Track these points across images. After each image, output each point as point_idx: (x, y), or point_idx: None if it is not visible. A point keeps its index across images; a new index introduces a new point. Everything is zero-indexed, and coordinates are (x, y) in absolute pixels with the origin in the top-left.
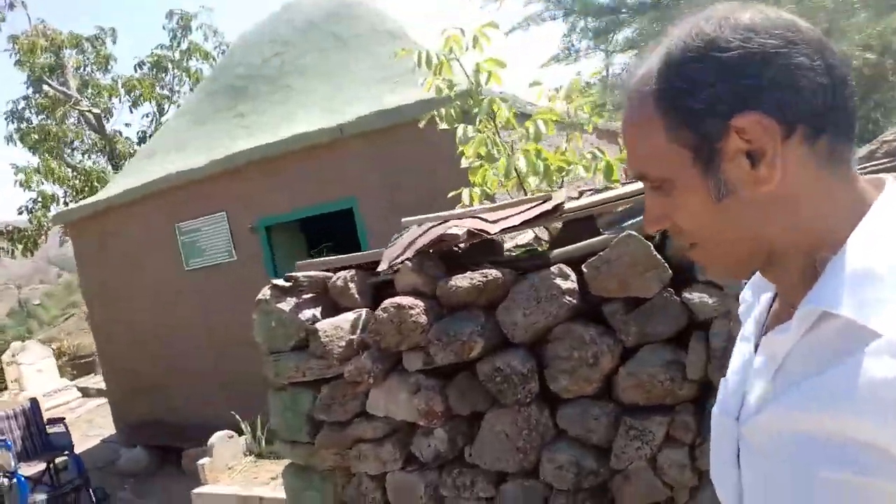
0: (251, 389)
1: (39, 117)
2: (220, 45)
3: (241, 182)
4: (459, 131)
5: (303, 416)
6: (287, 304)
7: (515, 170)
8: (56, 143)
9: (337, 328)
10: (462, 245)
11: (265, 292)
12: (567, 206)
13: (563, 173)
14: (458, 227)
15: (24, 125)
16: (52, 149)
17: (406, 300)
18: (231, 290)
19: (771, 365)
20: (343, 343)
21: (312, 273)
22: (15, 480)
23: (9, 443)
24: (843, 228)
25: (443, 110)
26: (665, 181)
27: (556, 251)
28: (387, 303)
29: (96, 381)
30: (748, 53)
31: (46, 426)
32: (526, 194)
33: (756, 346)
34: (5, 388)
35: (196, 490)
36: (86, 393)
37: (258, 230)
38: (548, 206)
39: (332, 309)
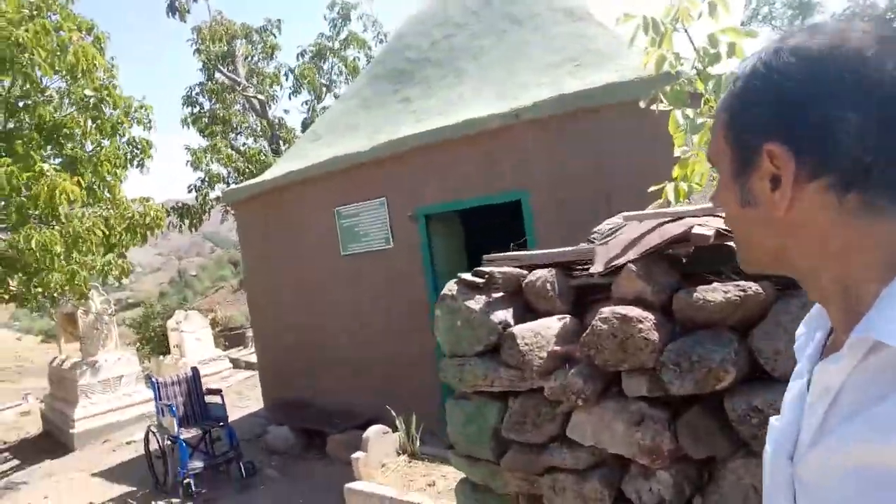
0: (400, 382)
1: (210, 102)
2: (379, 34)
3: (403, 168)
4: (678, 115)
5: (488, 431)
6: (476, 303)
7: None
8: (223, 127)
9: (537, 335)
10: (687, 251)
11: (451, 287)
12: None
13: None
14: (705, 227)
15: (197, 110)
16: (219, 132)
17: (633, 311)
18: (385, 278)
19: (825, 397)
20: (544, 353)
21: (506, 269)
22: (177, 444)
23: (174, 408)
24: (880, 274)
25: (668, 88)
26: (722, 181)
27: None
28: (607, 312)
29: (246, 353)
30: (800, 91)
31: (205, 395)
32: None
33: (808, 382)
34: (168, 353)
35: (350, 485)
36: (236, 364)
37: (417, 218)
38: None
39: (526, 311)
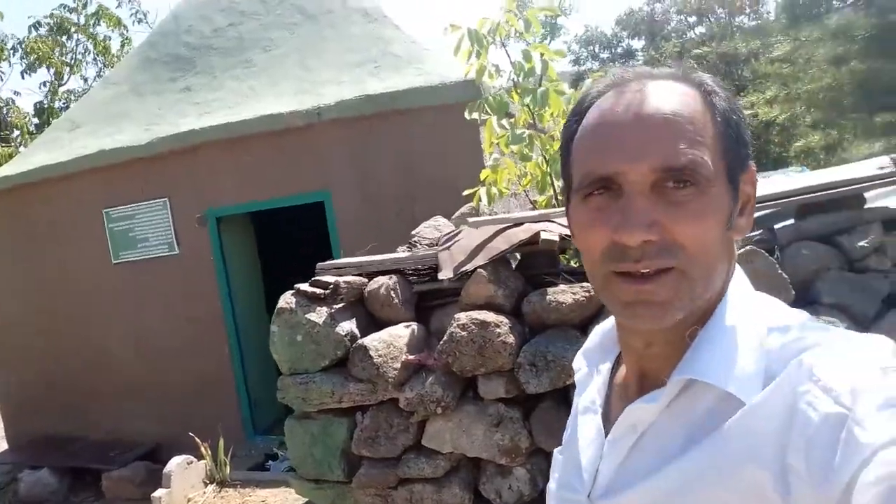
0: (194, 403)
1: None
2: (137, 12)
3: (190, 165)
4: (495, 123)
5: (336, 450)
6: (319, 316)
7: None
8: None
9: (389, 346)
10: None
11: (289, 300)
12: None
13: None
14: (549, 232)
15: None
16: None
17: (490, 316)
18: (171, 288)
19: (630, 435)
20: (398, 364)
21: (349, 278)
22: None
23: None
24: (714, 300)
25: (490, 98)
26: (707, 182)
27: None
28: (464, 318)
29: None
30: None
31: None
32: (556, 195)
33: (603, 417)
34: None
35: None
36: None
37: (207, 221)
38: None
39: (369, 321)
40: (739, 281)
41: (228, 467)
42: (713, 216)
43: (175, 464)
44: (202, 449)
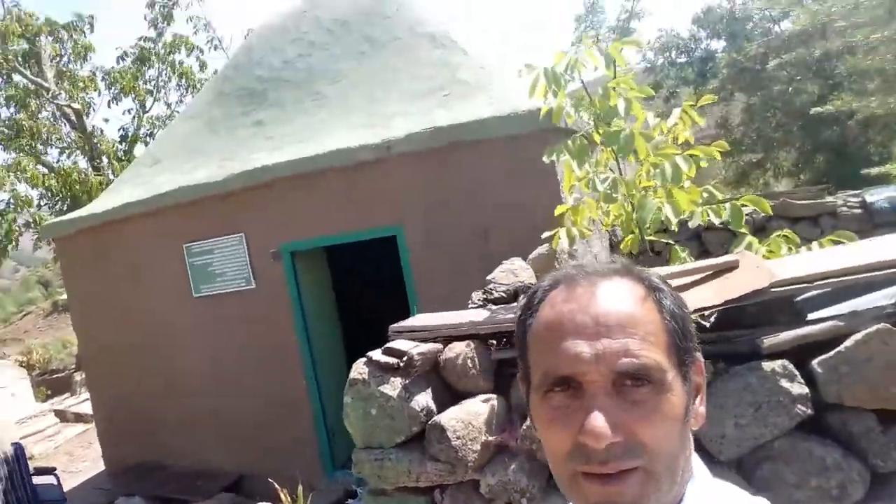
0: (271, 434)
1: (11, 110)
2: (213, 38)
3: (264, 201)
4: (574, 165)
5: None
6: (392, 388)
7: (632, 212)
8: (30, 139)
9: (468, 426)
10: None
11: (361, 370)
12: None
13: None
14: None
15: None
16: (24, 146)
17: None
18: (248, 321)
19: None
20: (477, 446)
21: (424, 347)
22: None
23: None
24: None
25: (570, 142)
26: (662, 383)
27: (770, 340)
28: None
29: (74, 402)
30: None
31: (33, 475)
32: (643, 240)
33: None
34: None
35: None
36: (63, 417)
37: (281, 256)
38: (755, 281)
39: (445, 391)
40: (700, 473)
41: None
42: (672, 411)
43: None
44: (282, 496)
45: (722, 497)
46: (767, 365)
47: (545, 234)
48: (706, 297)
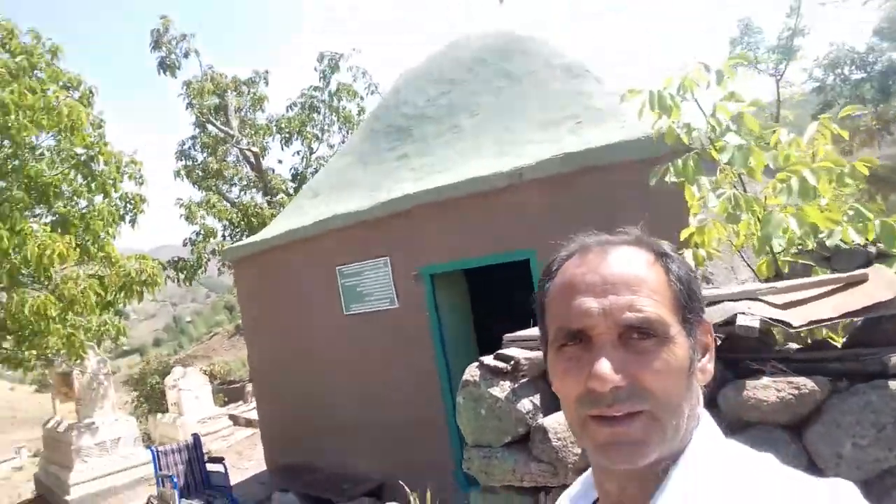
0: (409, 447)
1: (203, 155)
2: (370, 84)
3: (406, 226)
4: (693, 188)
5: None
6: (501, 390)
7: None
8: (216, 179)
9: (569, 429)
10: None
11: (473, 372)
12: None
13: (822, 234)
14: (750, 315)
15: (190, 163)
16: (212, 185)
17: None
18: (391, 338)
19: None
20: (578, 449)
21: (531, 354)
22: None
23: (174, 478)
24: (683, 439)
25: (679, 162)
26: (666, 336)
27: None
28: None
29: (246, 409)
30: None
31: (206, 463)
32: (776, 259)
33: None
34: (166, 410)
35: None
36: (236, 421)
37: (422, 278)
38: (877, 293)
39: (553, 397)
40: (707, 424)
41: None
42: (675, 362)
43: None
44: (411, 499)
45: (726, 448)
46: (893, 384)
47: None
48: (823, 310)
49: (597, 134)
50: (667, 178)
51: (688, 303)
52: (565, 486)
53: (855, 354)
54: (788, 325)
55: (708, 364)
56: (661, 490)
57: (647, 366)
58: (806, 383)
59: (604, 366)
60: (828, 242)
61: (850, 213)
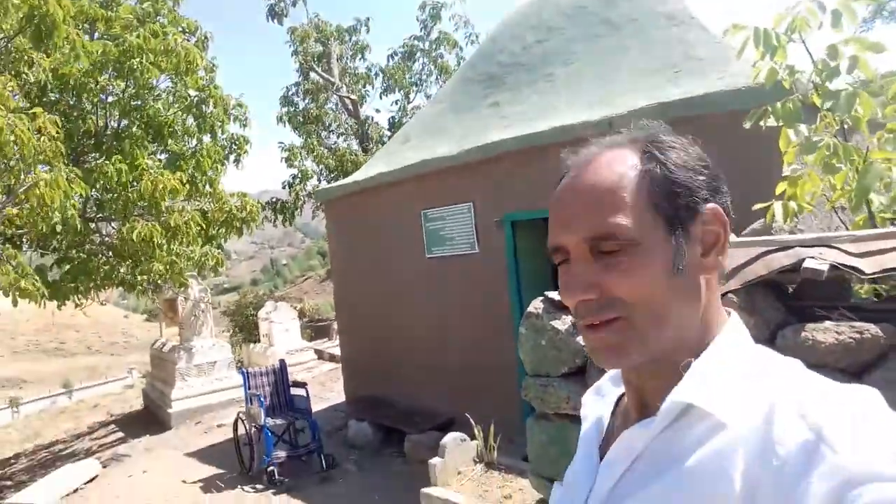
0: (479, 388)
1: (305, 102)
2: (471, 35)
3: (492, 173)
4: (790, 132)
5: (570, 455)
6: (562, 323)
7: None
8: (316, 125)
9: None
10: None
11: (537, 305)
12: None
13: None
14: (818, 259)
15: (292, 109)
16: (312, 130)
17: None
18: (469, 282)
19: (625, 458)
20: None
21: None
22: (263, 433)
23: (261, 398)
24: (705, 337)
25: (778, 104)
26: (631, 242)
27: None
28: None
29: (331, 345)
30: (708, 159)
31: (291, 387)
32: (872, 215)
33: (601, 447)
34: (258, 341)
35: (426, 490)
36: (321, 356)
37: (504, 225)
38: None
39: None
40: (735, 324)
41: (496, 452)
42: (648, 267)
43: (450, 438)
44: (476, 430)
45: (752, 348)
46: None
47: (756, 207)
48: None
49: (695, 84)
50: (762, 123)
51: (674, 200)
52: None
53: None
54: (860, 271)
55: (718, 258)
56: (681, 383)
57: (617, 277)
58: (869, 328)
59: (567, 283)
60: None
61: None
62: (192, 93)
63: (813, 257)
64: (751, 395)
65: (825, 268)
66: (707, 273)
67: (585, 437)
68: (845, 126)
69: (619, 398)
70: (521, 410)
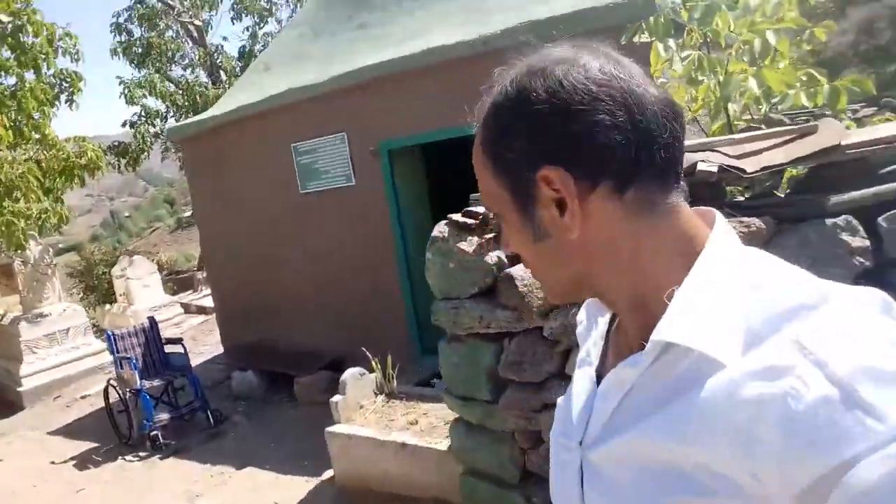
0: (366, 321)
1: (142, 29)
2: None
3: (363, 101)
4: (660, 46)
5: (483, 372)
6: (469, 245)
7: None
8: (158, 57)
9: None
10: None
11: (442, 229)
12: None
13: (775, 99)
14: (708, 162)
15: (127, 38)
16: (153, 62)
17: None
18: (349, 216)
19: (617, 392)
20: (543, 293)
21: None
22: (140, 397)
23: (134, 361)
24: (670, 268)
25: (651, 19)
26: (497, 216)
27: (837, 198)
28: None
29: (197, 297)
30: (553, 109)
31: (164, 345)
32: (730, 123)
33: (598, 372)
34: (115, 301)
35: (331, 428)
36: (188, 309)
37: (380, 153)
38: (824, 140)
39: None
40: (718, 232)
41: (395, 381)
42: (513, 237)
43: (349, 374)
44: (373, 363)
45: (744, 261)
46: (829, 221)
47: None
48: (775, 157)
49: (568, 2)
50: (636, 39)
51: (506, 166)
52: (528, 331)
53: (798, 200)
54: (742, 170)
55: (566, 220)
56: (664, 316)
57: (510, 239)
58: (754, 221)
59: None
60: (780, 107)
61: (804, 77)
62: (4, 18)
63: (703, 161)
64: (749, 326)
65: (715, 169)
66: (568, 233)
67: (581, 359)
68: (708, 40)
69: (613, 316)
70: (411, 339)
